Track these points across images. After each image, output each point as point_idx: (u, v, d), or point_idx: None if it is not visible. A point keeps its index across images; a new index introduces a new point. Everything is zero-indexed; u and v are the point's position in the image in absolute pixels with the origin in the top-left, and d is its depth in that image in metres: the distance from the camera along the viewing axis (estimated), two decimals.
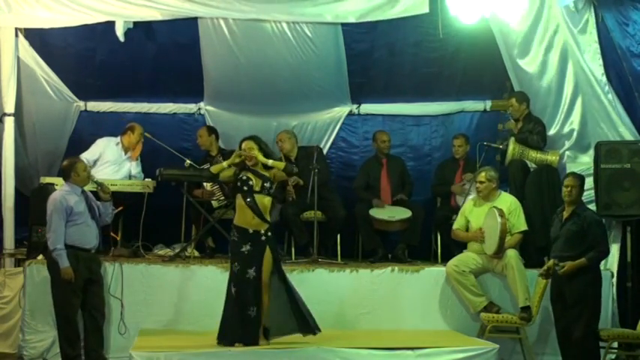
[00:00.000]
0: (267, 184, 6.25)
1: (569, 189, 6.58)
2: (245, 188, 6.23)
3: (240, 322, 6.18)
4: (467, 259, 7.32)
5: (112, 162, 8.17)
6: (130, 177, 8.26)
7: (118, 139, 8.32)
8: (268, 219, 6.30)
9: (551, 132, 8.04)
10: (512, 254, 7.13)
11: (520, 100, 8.05)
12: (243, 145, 6.34)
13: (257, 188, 6.23)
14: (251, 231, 6.22)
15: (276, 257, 6.32)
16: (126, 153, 8.31)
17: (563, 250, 6.46)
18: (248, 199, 6.21)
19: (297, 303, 6.30)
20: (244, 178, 6.24)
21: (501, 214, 7.08)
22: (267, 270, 6.23)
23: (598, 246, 6.41)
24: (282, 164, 6.46)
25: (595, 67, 7.63)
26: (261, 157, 6.30)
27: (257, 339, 6.17)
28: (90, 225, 6.66)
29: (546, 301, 7.02)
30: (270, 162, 6.32)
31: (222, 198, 8.24)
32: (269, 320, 6.27)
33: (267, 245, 6.22)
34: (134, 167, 8.33)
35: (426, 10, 7.81)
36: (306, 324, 6.27)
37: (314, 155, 8.02)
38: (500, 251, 7.12)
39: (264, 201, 6.25)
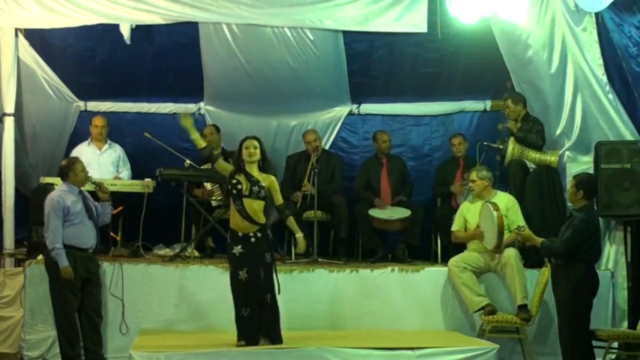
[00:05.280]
0: (255, 188, 6.19)
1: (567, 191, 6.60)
2: (234, 192, 6.22)
3: (239, 321, 6.21)
4: (468, 257, 7.33)
5: (89, 163, 8.07)
6: (117, 169, 8.32)
7: (88, 139, 8.39)
8: (260, 221, 6.23)
9: (552, 131, 8.04)
10: (511, 252, 7.13)
11: (516, 101, 8.03)
12: (247, 143, 6.28)
13: (245, 192, 6.19)
14: (240, 234, 6.21)
15: (263, 260, 6.23)
16: (100, 149, 8.35)
17: None
18: (237, 203, 6.22)
19: (276, 313, 6.29)
20: (234, 181, 6.23)
21: (496, 208, 7.06)
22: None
23: (559, 239, 6.33)
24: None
25: (596, 66, 7.62)
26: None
27: (256, 339, 6.17)
28: (87, 225, 6.66)
29: (546, 301, 7.04)
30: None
31: (221, 198, 8.25)
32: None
33: (255, 248, 6.20)
34: (121, 162, 8.39)
35: (424, 29, 7.86)
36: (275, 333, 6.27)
37: (335, 165, 8.47)
38: (500, 245, 7.09)
39: (254, 205, 6.19)
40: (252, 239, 6.20)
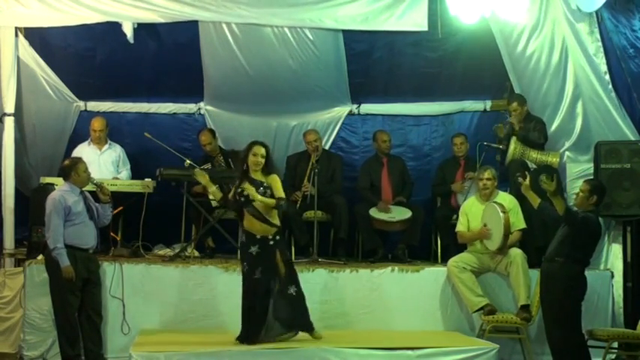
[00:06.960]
0: (260, 190, 6.27)
1: (577, 193, 6.58)
2: (242, 199, 6.30)
3: (245, 320, 6.25)
4: (468, 257, 7.34)
5: (89, 163, 8.05)
6: (117, 169, 8.33)
7: (89, 139, 8.39)
8: (276, 222, 6.33)
9: (552, 131, 8.04)
10: (517, 252, 7.16)
11: (522, 103, 8.06)
12: (256, 150, 6.33)
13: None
14: (259, 236, 6.29)
15: (287, 259, 6.39)
16: (101, 149, 8.35)
17: (553, 248, 6.44)
18: (249, 209, 6.29)
19: (304, 302, 6.40)
20: (240, 190, 6.31)
21: (503, 209, 7.08)
22: (281, 274, 6.31)
23: (578, 214, 6.32)
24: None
25: (597, 65, 7.61)
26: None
27: (255, 339, 6.20)
28: (88, 225, 6.66)
29: None
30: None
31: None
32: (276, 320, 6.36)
33: (276, 249, 6.29)
34: (120, 162, 8.39)
35: (425, 28, 7.87)
36: (307, 323, 6.38)
37: (335, 165, 8.50)
38: (504, 247, 7.11)
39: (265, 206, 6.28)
40: (271, 242, 6.29)
